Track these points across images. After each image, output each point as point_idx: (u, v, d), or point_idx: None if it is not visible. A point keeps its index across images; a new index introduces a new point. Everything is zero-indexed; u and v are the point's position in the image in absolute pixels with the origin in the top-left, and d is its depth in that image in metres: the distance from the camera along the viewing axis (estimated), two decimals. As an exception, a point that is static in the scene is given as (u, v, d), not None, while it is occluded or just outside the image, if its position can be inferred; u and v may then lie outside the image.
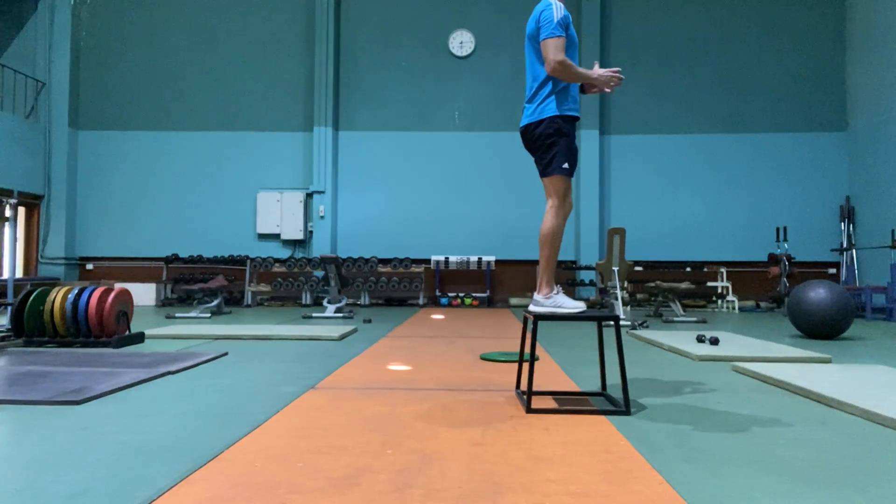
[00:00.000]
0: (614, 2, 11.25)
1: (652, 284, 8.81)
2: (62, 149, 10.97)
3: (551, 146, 2.82)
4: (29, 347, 4.63)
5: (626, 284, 9.50)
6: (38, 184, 10.76)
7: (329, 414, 2.62)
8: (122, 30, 11.41)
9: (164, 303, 10.39)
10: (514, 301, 10.59)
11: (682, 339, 5.13)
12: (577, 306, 2.78)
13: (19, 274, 10.53)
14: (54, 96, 10.98)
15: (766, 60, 11.06)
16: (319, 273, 10.49)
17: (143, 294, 10.41)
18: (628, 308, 8.89)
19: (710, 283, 10.22)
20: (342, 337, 5.51)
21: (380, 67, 11.31)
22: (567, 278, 10.73)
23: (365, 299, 10.46)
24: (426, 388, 3.21)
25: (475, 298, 10.61)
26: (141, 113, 11.37)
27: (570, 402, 2.87)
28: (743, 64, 11.09)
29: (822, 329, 5.54)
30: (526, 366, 3.67)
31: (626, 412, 2.61)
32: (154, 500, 1.63)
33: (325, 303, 8.18)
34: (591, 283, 10.71)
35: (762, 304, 10.29)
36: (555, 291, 2.86)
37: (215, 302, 8.32)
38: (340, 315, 7.86)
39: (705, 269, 10.55)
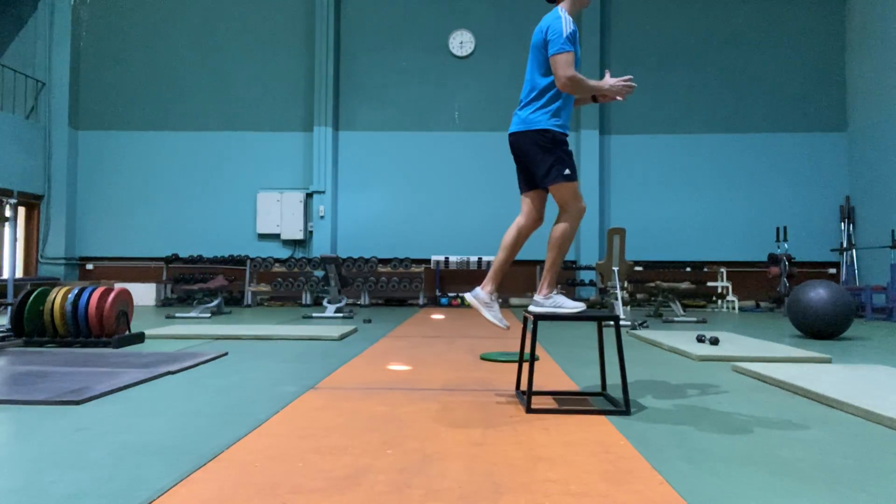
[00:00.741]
0: (614, 2, 11.25)
1: (652, 284, 8.82)
2: (62, 149, 10.97)
3: (547, 155, 2.78)
4: (29, 347, 4.63)
5: (626, 284, 9.50)
6: (38, 184, 10.76)
7: (329, 414, 2.62)
8: (122, 30, 11.41)
9: (164, 303, 10.39)
10: (514, 301, 10.59)
11: (682, 339, 5.13)
12: (577, 306, 2.78)
13: (19, 274, 10.53)
14: (54, 96, 10.98)
15: (766, 60, 11.06)
16: (319, 273, 10.49)
17: (143, 294, 10.41)
18: (628, 308, 8.89)
19: (710, 283, 10.22)
20: (342, 337, 5.51)
21: (380, 67, 11.31)
22: (567, 278, 10.73)
23: (365, 299, 10.46)
24: (426, 388, 3.21)
25: (475, 298, 10.59)
26: (141, 113, 11.37)
27: (570, 402, 2.87)
28: (743, 64, 11.10)
29: (822, 329, 5.53)
30: (526, 366, 3.67)
31: (626, 412, 2.61)
32: (154, 501, 1.63)
33: (325, 303, 8.18)
34: (591, 283, 10.71)
35: (762, 304, 10.29)
36: (554, 292, 2.86)
37: (215, 302, 8.32)
38: (340, 315, 7.86)
39: (705, 269, 10.56)
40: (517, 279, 10.89)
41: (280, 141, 11.28)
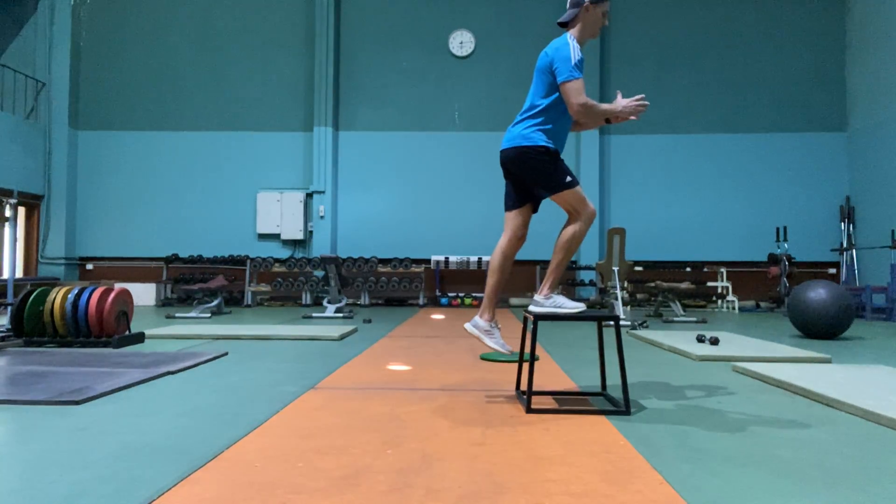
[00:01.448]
0: (614, 2, 11.24)
1: (652, 284, 8.82)
2: (62, 149, 10.97)
3: (546, 167, 2.77)
4: (29, 347, 4.63)
5: (626, 284, 9.50)
6: (38, 184, 10.76)
7: (329, 414, 2.62)
8: (122, 30, 11.42)
9: (164, 303, 10.39)
10: (514, 301, 10.59)
11: (682, 339, 5.13)
12: (577, 307, 2.78)
13: (19, 274, 10.53)
14: (54, 96, 10.98)
15: (766, 60, 11.06)
16: (319, 273, 10.49)
17: (143, 294, 10.41)
18: (628, 308, 8.89)
19: (710, 283, 10.22)
20: (342, 337, 5.51)
21: (380, 67, 11.31)
22: (567, 278, 10.74)
23: (365, 299, 10.46)
24: (426, 388, 3.21)
25: (475, 298, 10.61)
26: (141, 113, 11.37)
27: (570, 402, 2.87)
28: (743, 64, 11.10)
29: (822, 329, 5.53)
30: (526, 366, 3.67)
31: (626, 412, 2.61)
32: (154, 500, 1.63)
33: (325, 303, 8.18)
34: (591, 283, 10.71)
35: (762, 304, 10.29)
36: (555, 292, 2.87)
37: (215, 302, 8.32)
38: (340, 315, 7.86)
39: (705, 269, 10.56)
40: (517, 279, 10.89)
41: (280, 141, 11.28)
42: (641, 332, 5.81)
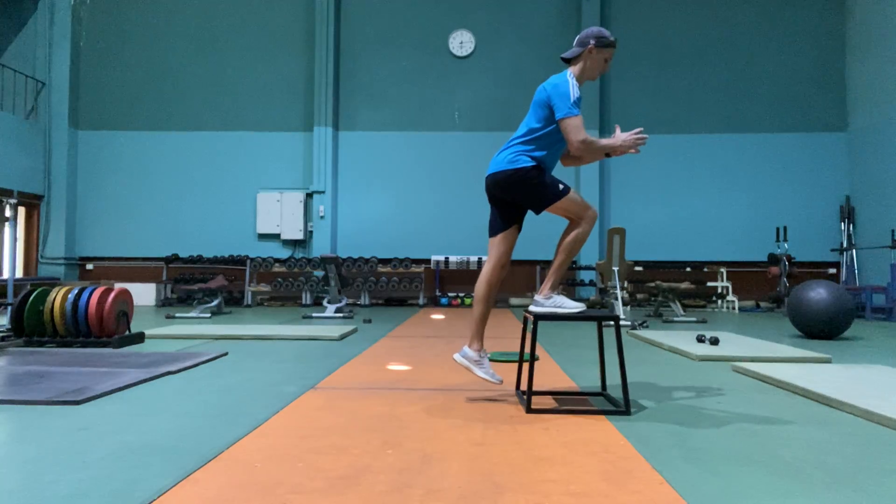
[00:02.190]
0: (614, 2, 11.25)
1: (652, 284, 8.82)
2: (62, 149, 10.97)
3: (538, 182, 2.76)
4: (29, 347, 4.63)
5: (626, 284, 9.50)
6: (38, 184, 10.76)
7: (329, 414, 2.62)
8: (122, 30, 11.41)
9: (164, 303, 10.39)
10: (514, 301, 10.59)
11: (682, 339, 5.13)
12: (577, 306, 2.78)
13: (19, 274, 10.53)
14: (54, 96, 10.98)
15: (767, 60, 11.06)
16: (319, 273, 10.48)
17: (143, 294, 10.41)
18: (628, 308, 8.89)
19: (710, 283, 10.22)
20: (342, 337, 5.51)
21: (380, 67, 11.31)
22: (567, 278, 10.73)
23: (365, 299, 10.46)
24: (426, 388, 3.21)
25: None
26: (141, 113, 11.37)
27: (570, 402, 2.87)
28: (743, 64, 11.09)
29: (822, 329, 5.53)
30: (526, 366, 3.67)
31: (626, 412, 2.62)
32: (154, 500, 1.63)
33: (325, 303, 8.18)
34: (591, 283, 10.71)
35: (762, 304, 10.29)
36: (555, 292, 2.87)
37: (215, 302, 8.32)
38: (340, 315, 7.86)
39: (705, 269, 10.55)
40: (517, 279, 10.89)
41: (280, 141, 11.28)
42: (641, 332, 5.81)
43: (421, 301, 10.66)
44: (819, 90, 10.99)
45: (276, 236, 11.16)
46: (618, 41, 2.97)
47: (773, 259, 9.70)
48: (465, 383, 3.36)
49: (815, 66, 11.00)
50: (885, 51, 9.88)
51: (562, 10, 11.23)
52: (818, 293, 5.54)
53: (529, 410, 2.65)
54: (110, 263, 11.24)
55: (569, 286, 10.64)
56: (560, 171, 9.33)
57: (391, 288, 10.52)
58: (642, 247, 10.84)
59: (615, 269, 7.26)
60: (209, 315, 7.93)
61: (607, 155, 2.82)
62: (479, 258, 10.69)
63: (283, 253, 11.20)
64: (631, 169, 11.13)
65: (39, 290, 4.84)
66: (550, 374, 3.67)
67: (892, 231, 9.04)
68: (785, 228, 9.98)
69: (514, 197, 2.85)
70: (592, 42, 2.78)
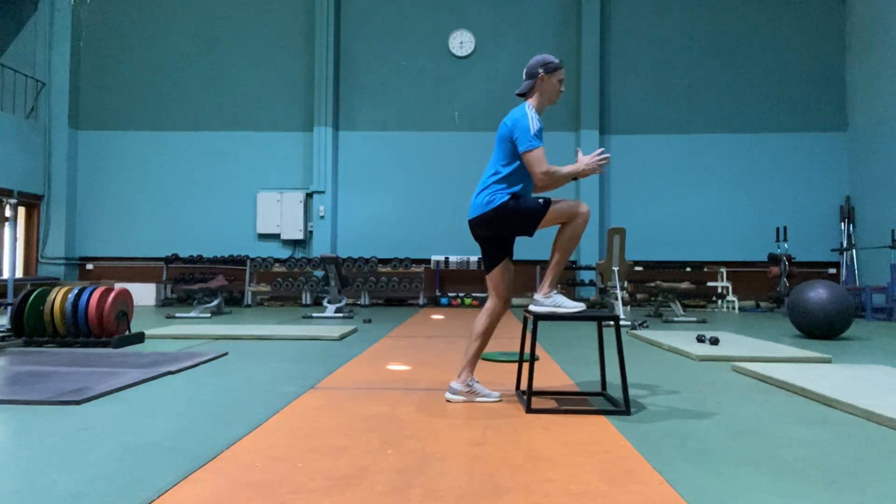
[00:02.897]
0: (614, 2, 11.24)
1: (652, 284, 8.82)
2: (62, 149, 10.97)
3: (514, 213, 2.77)
4: (29, 347, 4.63)
5: (626, 284, 9.49)
6: (38, 184, 10.76)
7: (329, 414, 2.62)
8: (122, 30, 11.41)
9: (164, 303, 10.39)
10: (513, 301, 10.59)
11: (682, 339, 5.13)
12: (577, 306, 2.78)
13: (19, 274, 10.52)
14: (54, 96, 10.98)
15: (766, 60, 11.06)
16: (319, 273, 10.48)
17: (143, 294, 10.40)
18: (628, 308, 8.89)
19: (710, 283, 10.21)
20: (342, 337, 5.51)
21: (380, 67, 11.31)
22: (567, 278, 10.74)
23: (365, 299, 10.46)
24: (426, 388, 3.21)
25: (475, 298, 10.61)
26: (141, 113, 11.37)
27: (570, 402, 2.87)
28: (743, 64, 11.09)
29: (822, 329, 5.53)
30: (526, 366, 3.67)
31: (626, 412, 2.62)
32: (154, 500, 1.63)
33: (325, 303, 8.18)
34: (591, 283, 10.71)
35: (762, 304, 10.29)
36: (554, 291, 2.87)
37: (215, 302, 8.32)
38: (340, 315, 7.86)
39: (705, 269, 10.55)
40: (517, 279, 10.82)
41: (280, 141, 11.28)
42: (641, 332, 5.81)
43: (421, 301, 10.66)
44: (819, 90, 10.99)
45: (276, 236, 11.16)
46: (563, 62, 3.00)
47: (773, 259, 9.69)
48: (465, 383, 3.36)
49: (814, 67, 11.00)
50: (884, 51, 9.88)
51: (562, 11, 11.23)
52: (818, 293, 5.53)
53: (529, 410, 2.65)
54: (110, 263, 11.23)
55: (569, 286, 10.64)
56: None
57: (391, 288, 10.52)
58: (642, 247, 10.83)
59: (615, 269, 7.26)
60: (209, 315, 7.93)
61: (574, 178, 2.84)
62: (479, 258, 10.69)
63: (283, 253, 11.20)
64: (631, 169, 11.13)
65: (39, 290, 4.84)
66: (550, 374, 3.67)
67: (892, 231, 9.04)
68: (785, 228, 9.98)
69: (502, 230, 2.89)
70: (541, 71, 2.83)
